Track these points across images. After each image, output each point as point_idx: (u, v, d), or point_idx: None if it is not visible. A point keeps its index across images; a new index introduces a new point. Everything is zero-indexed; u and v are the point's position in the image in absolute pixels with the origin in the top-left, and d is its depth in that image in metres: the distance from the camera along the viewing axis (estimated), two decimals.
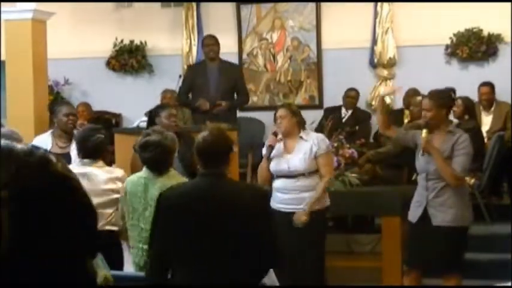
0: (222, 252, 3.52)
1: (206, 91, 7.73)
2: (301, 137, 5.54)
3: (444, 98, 5.21)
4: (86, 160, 4.91)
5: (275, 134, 5.57)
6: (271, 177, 5.62)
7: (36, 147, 1.10)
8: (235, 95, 7.95)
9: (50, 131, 6.43)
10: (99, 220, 5.03)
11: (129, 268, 4.84)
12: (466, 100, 7.39)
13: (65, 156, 5.77)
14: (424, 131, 5.15)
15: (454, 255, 5.15)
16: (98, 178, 4.83)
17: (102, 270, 1.87)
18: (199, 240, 3.54)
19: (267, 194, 3.84)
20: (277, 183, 5.56)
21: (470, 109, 7.49)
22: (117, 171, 5.03)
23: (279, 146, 5.57)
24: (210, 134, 3.67)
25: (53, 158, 1.10)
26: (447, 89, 5.34)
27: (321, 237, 5.56)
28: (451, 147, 5.10)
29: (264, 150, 5.66)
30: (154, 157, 4.42)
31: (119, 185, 4.86)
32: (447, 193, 5.12)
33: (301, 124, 5.63)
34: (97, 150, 4.94)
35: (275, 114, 5.65)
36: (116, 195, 4.86)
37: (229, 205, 3.56)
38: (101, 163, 4.94)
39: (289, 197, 5.46)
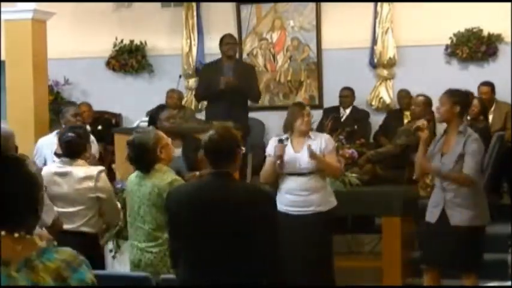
0: (223, 252, 3.51)
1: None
2: (309, 137, 5.68)
3: (460, 96, 5.26)
4: (64, 159, 4.85)
5: (281, 141, 5.61)
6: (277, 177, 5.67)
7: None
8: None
9: (55, 132, 6.41)
10: (73, 221, 4.97)
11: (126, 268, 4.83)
12: (482, 101, 7.48)
13: None
14: (423, 122, 5.33)
15: (471, 255, 5.17)
16: (74, 177, 4.74)
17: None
18: (203, 239, 3.53)
19: (274, 198, 3.82)
20: (287, 184, 5.60)
21: (485, 110, 7.56)
22: (93, 170, 4.83)
23: (288, 145, 5.63)
24: (216, 132, 3.61)
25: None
26: (465, 91, 5.40)
27: (328, 238, 5.61)
28: (462, 148, 5.14)
29: (268, 150, 5.73)
30: (132, 156, 4.43)
31: (91, 184, 4.73)
32: (464, 193, 5.15)
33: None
34: (69, 149, 4.82)
35: (296, 112, 5.67)
36: (93, 195, 4.75)
37: (234, 206, 3.54)
38: (80, 162, 4.82)
39: (298, 199, 5.53)
